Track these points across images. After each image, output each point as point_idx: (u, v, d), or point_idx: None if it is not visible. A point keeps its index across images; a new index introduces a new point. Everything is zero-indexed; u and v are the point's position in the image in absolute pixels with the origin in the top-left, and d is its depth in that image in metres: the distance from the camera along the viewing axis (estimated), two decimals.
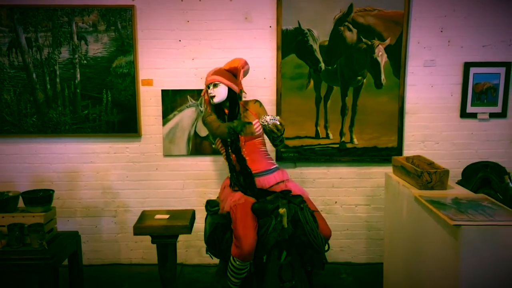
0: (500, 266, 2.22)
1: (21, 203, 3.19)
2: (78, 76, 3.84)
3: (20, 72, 3.84)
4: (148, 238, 3.19)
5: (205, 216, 3.22)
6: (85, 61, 3.83)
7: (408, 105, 3.91)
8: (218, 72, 3.19)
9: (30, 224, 3.03)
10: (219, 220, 3.07)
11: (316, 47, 3.81)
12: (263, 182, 3.07)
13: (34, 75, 3.84)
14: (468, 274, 2.21)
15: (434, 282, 2.50)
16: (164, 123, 3.91)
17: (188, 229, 3.13)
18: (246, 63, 3.23)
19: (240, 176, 3.04)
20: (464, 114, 3.92)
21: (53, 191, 3.23)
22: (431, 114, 3.93)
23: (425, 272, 2.63)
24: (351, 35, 3.80)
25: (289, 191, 3.02)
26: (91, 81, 3.85)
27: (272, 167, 3.16)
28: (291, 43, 3.80)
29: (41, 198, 3.13)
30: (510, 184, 3.29)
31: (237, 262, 2.85)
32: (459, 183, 3.41)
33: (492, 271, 2.21)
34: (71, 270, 3.34)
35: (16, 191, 3.26)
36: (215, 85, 3.13)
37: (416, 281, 2.77)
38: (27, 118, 3.89)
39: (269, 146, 3.27)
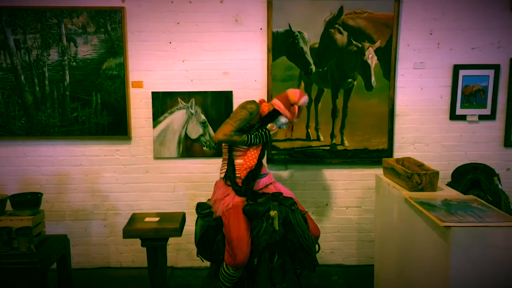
0: (489, 267, 2.23)
1: (8, 207, 3.15)
2: (67, 78, 3.81)
3: (8, 74, 3.80)
4: (138, 241, 3.17)
5: (195, 218, 3.20)
6: (74, 63, 3.80)
7: (398, 107, 3.93)
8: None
9: (18, 227, 2.99)
10: (209, 223, 3.06)
11: (306, 49, 3.81)
12: (257, 184, 3.09)
13: (22, 77, 3.81)
14: (458, 275, 2.22)
15: (425, 283, 2.50)
16: (154, 126, 3.89)
17: (178, 231, 3.11)
18: (300, 97, 3.13)
19: (250, 173, 3.03)
20: (453, 116, 3.94)
21: (41, 194, 3.19)
22: (421, 116, 3.95)
23: (415, 273, 2.64)
24: (341, 38, 3.81)
25: (280, 193, 3.02)
26: (80, 83, 3.82)
27: (266, 172, 3.20)
28: (282, 45, 3.81)
29: (29, 201, 3.09)
30: (500, 185, 3.32)
31: (231, 270, 2.84)
32: (449, 184, 3.42)
33: (482, 272, 2.22)
34: (60, 274, 3.31)
35: (4, 194, 3.23)
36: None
37: (406, 282, 2.78)
38: (15, 121, 3.85)
39: None
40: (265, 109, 3.13)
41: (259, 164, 3.07)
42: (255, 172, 3.04)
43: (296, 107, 3.10)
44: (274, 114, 3.12)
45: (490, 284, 2.24)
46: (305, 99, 3.15)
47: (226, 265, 2.85)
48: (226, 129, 2.96)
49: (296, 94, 3.11)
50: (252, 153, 3.05)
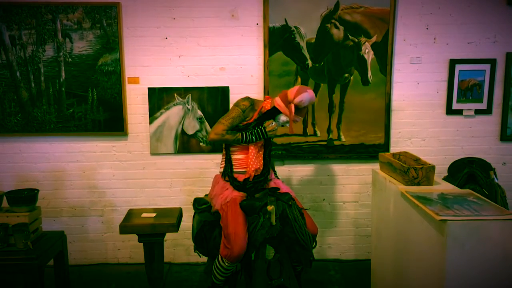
0: (485, 261, 2.23)
1: (5, 203, 3.14)
2: (63, 74, 3.80)
3: (3, 71, 3.78)
4: (136, 237, 3.17)
5: (192, 214, 3.20)
6: (70, 59, 3.78)
7: (395, 102, 3.93)
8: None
9: (14, 224, 2.98)
10: (206, 218, 3.05)
11: (303, 44, 3.81)
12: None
13: (18, 73, 3.79)
14: (454, 268, 2.23)
15: (421, 277, 2.51)
16: (151, 122, 3.88)
17: (175, 227, 3.11)
18: (297, 94, 2.92)
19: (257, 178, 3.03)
20: (449, 111, 3.95)
21: (37, 190, 3.18)
22: (417, 111, 3.96)
23: (412, 267, 2.65)
24: (338, 33, 3.81)
25: (278, 189, 3.02)
26: (76, 79, 3.81)
27: (272, 178, 3.20)
28: (278, 40, 3.80)
29: (26, 197, 3.08)
30: (495, 179, 3.33)
31: (226, 263, 2.84)
32: (445, 179, 3.43)
33: (478, 265, 2.23)
34: (57, 271, 3.30)
35: (0, 191, 3.21)
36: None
37: (403, 276, 2.79)
38: (11, 117, 3.83)
39: None
40: (267, 106, 3.06)
41: (266, 169, 3.06)
42: (264, 179, 3.04)
43: (293, 105, 2.94)
44: (274, 112, 3.03)
45: (486, 277, 2.25)
46: (301, 97, 2.90)
47: (221, 258, 2.85)
48: (218, 128, 2.95)
49: (292, 92, 2.95)
50: (253, 152, 3.01)
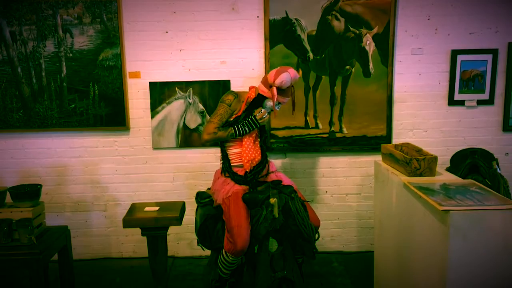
0: (487, 250, 2.23)
1: (8, 199, 3.15)
2: (64, 69, 3.80)
3: (4, 66, 3.78)
4: (139, 231, 3.18)
5: (195, 208, 3.21)
6: (70, 54, 3.78)
7: (397, 94, 3.92)
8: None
9: (18, 219, 2.99)
10: (209, 212, 3.06)
11: (304, 36, 3.79)
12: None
13: (19, 69, 3.79)
14: (456, 258, 2.23)
15: (424, 267, 2.52)
16: (152, 116, 3.88)
17: (178, 220, 3.12)
18: (276, 76, 2.91)
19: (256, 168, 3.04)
20: (452, 101, 3.94)
21: (41, 185, 3.18)
22: (419, 102, 3.95)
23: (414, 258, 2.65)
24: (339, 24, 3.79)
25: (280, 181, 3.02)
26: (77, 75, 3.81)
27: (274, 170, 3.20)
28: (279, 33, 3.79)
29: (29, 192, 3.09)
30: (498, 169, 3.32)
31: (230, 258, 2.85)
32: (448, 170, 3.42)
33: (480, 255, 2.23)
34: (61, 265, 3.32)
35: (3, 186, 3.22)
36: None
37: (406, 267, 2.79)
38: (13, 113, 3.84)
39: None
40: (252, 94, 3.06)
41: (264, 156, 3.07)
42: (262, 167, 3.05)
43: (274, 88, 2.92)
44: (260, 99, 3.03)
45: (489, 267, 2.25)
46: (281, 78, 2.87)
47: (225, 252, 2.86)
48: (210, 127, 2.97)
49: (271, 75, 2.92)
50: (248, 143, 3.02)
